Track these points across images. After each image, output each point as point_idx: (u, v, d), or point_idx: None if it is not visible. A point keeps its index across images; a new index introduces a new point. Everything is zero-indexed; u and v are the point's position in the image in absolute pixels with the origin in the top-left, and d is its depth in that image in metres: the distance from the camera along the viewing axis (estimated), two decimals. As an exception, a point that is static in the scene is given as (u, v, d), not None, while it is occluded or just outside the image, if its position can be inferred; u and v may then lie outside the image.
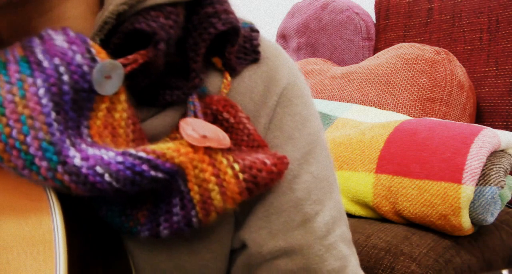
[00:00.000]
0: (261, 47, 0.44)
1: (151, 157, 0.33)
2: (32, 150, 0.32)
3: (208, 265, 0.42)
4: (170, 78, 0.40)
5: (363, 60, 1.48)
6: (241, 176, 0.37)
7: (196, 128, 0.36)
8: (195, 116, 0.39)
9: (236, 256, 0.43)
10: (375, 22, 1.55)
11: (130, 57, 0.36)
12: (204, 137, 0.36)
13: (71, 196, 0.34)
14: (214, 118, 0.40)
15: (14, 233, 0.32)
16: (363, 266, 0.83)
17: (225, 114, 0.40)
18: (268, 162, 0.38)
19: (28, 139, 0.32)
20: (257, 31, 0.44)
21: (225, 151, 0.37)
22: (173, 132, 0.40)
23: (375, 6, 1.54)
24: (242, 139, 0.40)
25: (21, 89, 0.32)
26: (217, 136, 0.37)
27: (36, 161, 0.32)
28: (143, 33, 0.36)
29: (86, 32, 0.36)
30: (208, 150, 0.37)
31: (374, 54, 1.48)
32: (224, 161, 0.37)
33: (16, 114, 0.32)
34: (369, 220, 0.96)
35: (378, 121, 1.05)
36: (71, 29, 0.35)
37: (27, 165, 0.32)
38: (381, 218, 0.95)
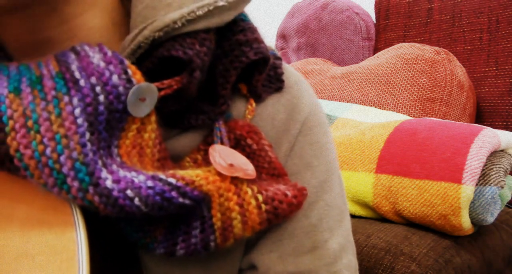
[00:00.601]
0: (284, 75, 0.44)
1: (180, 183, 0.34)
2: (65, 170, 0.32)
3: None
4: (197, 103, 0.40)
5: (363, 60, 1.48)
6: (263, 207, 0.38)
7: (223, 156, 0.37)
8: (221, 142, 0.40)
9: None
10: (375, 22, 1.55)
11: (166, 82, 0.36)
12: (231, 165, 0.37)
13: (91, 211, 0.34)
14: (237, 143, 0.40)
15: (38, 241, 0.32)
16: (363, 266, 0.83)
17: (249, 141, 0.40)
18: (289, 194, 0.39)
19: (62, 158, 0.31)
20: (280, 59, 0.45)
21: (250, 181, 0.38)
22: (193, 153, 0.40)
23: (375, 6, 1.54)
24: (263, 166, 0.40)
25: (57, 107, 0.32)
26: (244, 165, 0.38)
27: (68, 180, 0.32)
28: (177, 58, 0.36)
29: (107, 43, 0.36)
30: (235, 179, 0.37)
31: (374, 54, 1.48)
32: (249, 191, 0.37)
33: (51, 132, 0.32)
34: (369, 220, 0.96)
35: (378, 121, 1.05)
36: (92, 40, 0.35)
37: (58, 184, 0.32)
38: (381, 218, 0.95)
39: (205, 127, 0.41)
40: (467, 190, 0.81)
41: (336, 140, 1.02)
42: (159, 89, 0.36)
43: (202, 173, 0.35)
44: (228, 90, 0.39)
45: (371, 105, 1.25)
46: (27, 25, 0.36)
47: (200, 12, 0.37)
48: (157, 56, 0.36)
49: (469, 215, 0.83)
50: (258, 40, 0.40)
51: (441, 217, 0.84)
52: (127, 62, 0.34)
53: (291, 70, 0.46)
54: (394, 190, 0.89)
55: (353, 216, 0.99)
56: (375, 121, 1.05)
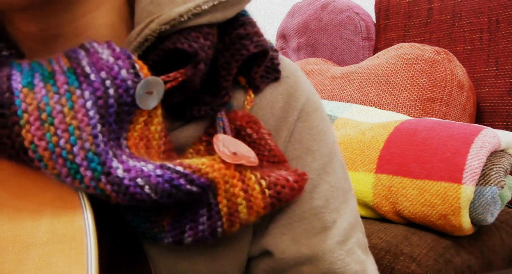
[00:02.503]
0: (281, 66, 0.46)
1: (187, 171, 0.35)
2: (78, 160, 0.33)
3: (226, 272, 0.44)
4: (199, 94, 0.41)
5: (363, 60, 1.48)
6: (267, 192, 0.39)
7: (227, 145, 0.39)
8: (224, 132, 0.41)
9: (256, 263, 0.45)
10: (375, 22, 1.55)
11: (171, 74, 0.37)
12: (235, 153, 0.38)
13: (100, 200, 0.35)
14: (237, 133, 0.42)
15: (46, 230, 0.33)
16: (363, 266, 0.83)
17: (248, 130, 0.42)
18: (290, 179, 0.40)
19: (75, 149, 0.33)
20: (276, 51, 0.47)
21: (252, 168, 0.40)
22: (195, 144, 0.41)
23: (375, 6, 1.54)
24: (264, 154, 0.42)
25: (69, 100, 0.33)
26: (247, 153, 0.39)
27: (81, 170, 0.33)
28: (182, 51, 0.37)
29: (114, 40, 0.38)
30: (239, 167, 0.39)
31: (374, 54, 1.48)
32: (253, 177, 0.39)
33: (64, 124, 0.33)
34: (369, 220, 0.96)
35: (378, 121, 1.05)
36: (100, 37, 0.37)
37: (71, 174, 0.33)
38: (381, 218, 0.95)
39: (206, 119, 0.42)
40: (467, 190, 0.81)
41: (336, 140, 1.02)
42: (165, 82, 0.37)
43: (207, 161, 0.37)
44: (229, 82, 0.41)
45: (371, 105, 1.25)
46: (38, 22, 0.37)
47: (205, 6, 0.38)
48: (163, 49, 0.38)
49: (469, 215, 0.83)
50: (258, 34, 0.42)
51: (441, 217, 0.84)
52: (134, 57, 0.35)
53: (287, 61, 0.48)
54: (394, 190, 0.89)
55: (353, 216, 0.99)
56: (375, 121, 1.05)
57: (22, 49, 0.39)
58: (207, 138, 0.41)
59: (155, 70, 0.37)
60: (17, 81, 0.33)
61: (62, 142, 0.33)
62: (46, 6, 0.36)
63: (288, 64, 0.47)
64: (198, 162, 0.36)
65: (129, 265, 0.38)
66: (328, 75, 1.40)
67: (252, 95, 0.44)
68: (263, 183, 0.39)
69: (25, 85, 0.33)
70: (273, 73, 0.45)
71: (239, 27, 0.42)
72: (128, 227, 0.39)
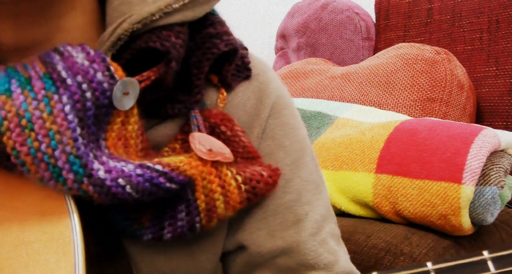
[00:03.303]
0: (251, 64, 0.47)
1: (166, 169, 0.36)
2: (60, 163, 0.34)
3: (203, 266, 0.45)
4: (173, 93, 0.42)
5: (363, 60, 1.48)
6: (243, 187, 0.41)
7: (202, 142, 0.40)
8: (199, 130, 0.42)
9: (232, 258, 0.47)
10: (375, 22, 1.55)
11: (145, 74, 0.38)
12: (210, 150, 0.40)
13: (85, 200, 0.36)
14: (212, 130, 0.43)
15: (35, 229, 0.34)
16: (363, 266, 0.83)
17: (223, 128, 0.43)
18: (265, 174, 0.42)
19: (56, 153, 0.34)
20: (246, 49, 0.48)
21: (228, 164, 0.41)
22: (171, 142, 0.43)
23: (375, 6, 1.54)
24: (238, 150, 0.43)
25: (48, 106, 0.34)
26: (222, 150, 0.41)
27: (64, 173, 0.34)
28: (154, 50, 0.38)
29: (87, 42, 0.38)
30: (215, 163, 0.40)
31: (374, 54, 1.48)
32: (229, 173, 0.40)
33: (44, 129, 0.33)
34: (369, 220, 0.96)
35: (378, 121, 1.05)
36: (72, 40, 0.37)
37: (54, 177, 0.34)
38: (381, 218, 0.95)
39: (181, 117, 0.43)
40: (467, 190, 0.81)
41: (336, 140, 1.02)
42: (140, 82, 0.38)
43: (185, 159, 0.38)
44: (202, 80, 0.42)
45: (371, 105, 1.25)
46: (13, 22, 0.37)
47: (176, 5, 0.39)
48: (135, 48, 0.38)
49: (469, 215, 0.83)
50: (228, 33, 0.43)
51: (441, 217, 0.84)
52: (108, 59, 0.36)
53: (257, 59, 0.49)
54: (394, 190, 0.89)
55: (353, 216, 0.99)
56: (375, 121, 1.05)
57: (1, 54, 0.40)
58: (183, 136, 0.42)
59: (128, 69, 0.38)
60: None
61: (43, 146, 0.33)
62: (22, 4, 0.36)
63: (258, 62, 0.48)
64: (176, 160, 0.38)
65: (113, 259, 0.40)
66: (328, 75, 1.40)
67: (225, 94, 0.45)
68: (239, 178, 0.40)
69: (2, 93, 0.34)
70: (244, 72, 0.46)
71: (209, 26, 0.43)
72: (109, 224, 0.40)
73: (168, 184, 0.36)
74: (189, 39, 0.42)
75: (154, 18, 0.38)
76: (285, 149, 0.46)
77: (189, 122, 0.43)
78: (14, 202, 0.35)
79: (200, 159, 0.39)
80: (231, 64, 0.44)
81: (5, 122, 0.33)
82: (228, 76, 0.45)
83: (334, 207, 0.98)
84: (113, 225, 0.40)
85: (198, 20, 0.42)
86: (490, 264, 0.26)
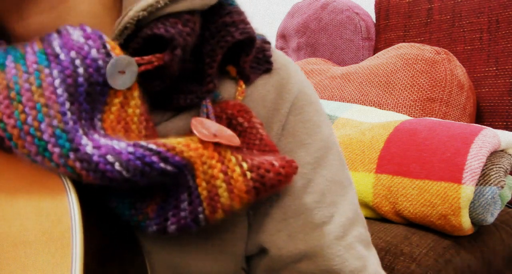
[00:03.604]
0: (273, 58, 0.45)
1: (161, 149, 0.34)
2: (45, 137, 0.33)
3: (221, 266, 0.43)
4: (184, 84, 0.41)
5: (363, 60, 1.48)
6: (248, 174, 0.37)
7: (206, 126, 0.38)
8: (207, 117, 0.40)
9: (255, 262, 0.44)
10: (375, 22, 1.55)
11: (146, 57, 0.37)
12: (214, 135, 0.37)
13: (88, 189, 0.35)
14: (229, 122, 0.41)
15: (34, 228, 0.33)
16: (363, 266, 0.83)
17: (240, 119, 0.41)
18: (276, 163, 0.38)
19: (42, 126, 0.33)
20: (269, 43, 0.46)
21: (234, 150, 0.38)
22: (186, 135, 0.40)
23: (375, 6, 1.54)
24: (254, 142, 0.41)
25: (38, 79, 0.34)
26: (227, 134, 0.38)
27: (49, 147, 0.33)
28: (161, 39, 0.37)
29: (98, 28, 0.37)
30: (218, 147, 0.37)
31: (374, 54, 1.48)
32: (233, 159, 0.38)
33: (32, 102, 0.33)
34: (369, 220, 0.96)
35: (378, 121, 1.05)
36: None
37: (40, 151, 0.33)
38: (381, 218, 0.95)
39: (195, 110, 0.41)
40: (467, 190, 0.81)
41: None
42: (139, 65, 0.37)
43: (183, 140, 0.36)
44: (214, 69, 0.40)
45: (371, 105, 1.25)
46: (11, 9, 0.37)
47: None
48: (141, 36, 0.37)
49: (469, 215, 0.83)
50: (244, 22, 0.42)
51: (441, 217, 0.84)
52: (106, 37, 0.36)
53: (280, 53, 0.47)
54: (394, 190, 0.89)
55: (353, 216, 0.99)
56: (375, 121, 1.05)
57: (10, 35, 0.40)
58: None
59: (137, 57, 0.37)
60: None
61: (29, 119, 0.33)
62: None
63: (280, 56, 0.47)
64: (174, 141, 0.36)
65: (122, 257, 0.38)
66: (328, 75, 1.40)
67: (244, 86, 0.43)
68: (245, 165, 0.37)
69: None
70: (265, 65, 0.45)
71: (225, 15, 0.41)
72: (121, 227, 0.38)
73: (162, 165, 0.34)
74: (204, 29, 0.41)
75: (159, 5, 0.37)
76: (306, 147, 0.44)
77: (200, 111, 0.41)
78: (15, 199, 0.35)
79: (201, 142, 0.37)
80: (248, 54, 0.42)
81: None
82: (246, 67, 0.43)
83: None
84: (119, 215, 0.38)
85: (215, 10, 0.41)
86: None
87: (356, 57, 1.52)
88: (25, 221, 0.34)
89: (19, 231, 0.33)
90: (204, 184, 0.37)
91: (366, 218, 0.97)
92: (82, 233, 0.33)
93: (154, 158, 0.34)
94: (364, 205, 0.96)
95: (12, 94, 0.33)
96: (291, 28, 1.69)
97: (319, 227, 0.43)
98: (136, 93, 0.37)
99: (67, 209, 0.34)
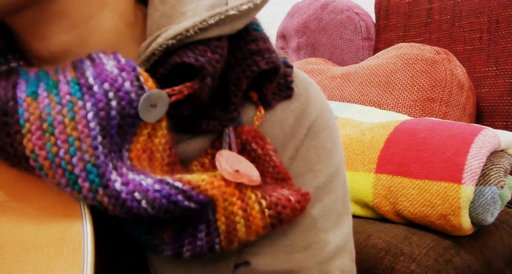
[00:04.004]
0: (294, 83, 0.46)
1: (186, 187, 0.35)
2: (76, 171, 0.33)
3: None
4: (208, 108, 0.41)
5: (363, 60, 1.48)
6: (267, 211, 0.39)
7: (230, 162, 0.38)
8: (230, 148, 0.41)
9: (238, 270, 0.45)
10: (375, 22, 1.55)
11: (176, 88, 0.37)
12: (237, 171, 0.38)
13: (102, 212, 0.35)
14: (243, 147, 0.42)
15: (47, 233, 0.34)
16: (363, 266, 0.83)
17: (254, 145, 0.41)
18: (292, 199, 0.40)
19: (74, 160, 0.33)
20: (291, 67, 0.46)
21: (254, 187, 0.39)
22: (201, 156, 0.41)
23: (375, 6, 1.54)
24: (268, 170, 0.41)
25: (71, 111, 0.33)
26: (250, 172, 0.39)
27: (80, 181, 0.33)
28: (190, 65, 0.37)
29: (120, 45, 0.38)
30: (239, 185, 0.38)
31: (374, 54, 1.48)
32: (253, 197, 0.39)
33: (64, 135, 0.33)
34: (369, 220, 0.96)
35: (378, 121, 1.05)
36: (105, 43, 0.37)
37: (70, 184, 0.33)
38: (381, 218, 0.95)
39: (214, 132, 0.42)
40: (467, 190, 0.81)
41: (336, 140, 1.02)
42: (170, 95, 0.37)
43: (207, 178, 0.37)
44: (239, 97, 0.41)
45: (371, 105, 1.25)
46: (33, 30, 0.37)
47: (212, 21, 0.37)
48: (170, 63, 0.37)
49: (469, 215, 0.83)
50: (270, 50, 0.42)
51: (441, 217, 0.84)
52: (139, 69, 0.35)
53: (302, 76, 0.47)
54: (394, 190, 0.89)
55: (353, 216, 0.98)
56: (375, 121, 1.05)
57: (32, 62, 0.39)
58: (213, 151, 0.41)
59: (164, 83, 0.37)
60: (22, 90, 0.34)
61: (61, 152, 0.33)
62: (33, 10, 0.35)
63: (302, 80, 0.47)
64: (198, 178, 0.36)
65: (129, 272, 0.39)
66: (328, 75, 1.40)
67: (263, 112, 0.43)
68: (263, 202, 0.39)
69: (29, 95, 0.33)
70: (286, 91, 0.45)
71: (251, 42, 0.41)
72: (131, 238, 0.39)
73: (186, 203, 0.35)
74: (230, 54, 0.41)
75: (188, 34, 0.37)
76: (315, 172, 0.44)
77: (222, 138, 0.41)
78: (29, 204, 0.35)
79: (224, 179, 0.38)
80: (272, 82, 0.43)
81: (27, 124, 0.33)
82: (268, 94, 0.43)
83: (334, 207, 0.98)
84: (135, 238, 0.39)
85: (240, 35, 0.41)
86: None
87: (356, 57, 1.52)
88: (38, 226, 0.34)
89: (32, 235, 0.34)
90: (223, 218, 0.38)
91: (366, 218, 0.98)
92: (93, 240, 0.34)
93: (180, 197, 0.35)
94: (364, 205, 0.96)
95: (45, 125, 0.33)
96: (291, 28, 1.69)
97: (304, 250, 0.43)
98: (164, 124, 0.37)
99: (79, 218, 0.35)
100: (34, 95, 0.33)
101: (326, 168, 0.45)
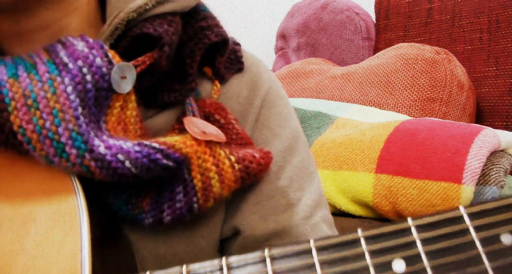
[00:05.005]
0: (244, 58, 0.50)
1: (163, 147, 0.38)
2: (63, 139, 0.36)
3: (202, 251, 0.47)
4: (168, 82, 0.45)
5: (363, 60, 1.48)
6: (236, 166, 0.42)
7: (196, 125, 0.42)
8: (193, 115, 0.45)
9: (229, 244, 0.48)
10: (375, 22, 1.55)
11: (140, 59, 0.41)
12: (204, 132, 0.42)
13: (88, 189, 0.38)
14: (206, 119, 0.45)
15: (42, 207, 0.36)
16: (363, 266, 0.83)
17: (217, 116, 0.46)
18: (257, 155, 0.44)
19: (60, 130, 0.36)
20: (239, 44, 0.51)
21: (222, 145, 0.43)
22: (169, 132, 0.45)
23: (375, 6, 1.54)
24: (232, 137, 0.45)
25: (51, 87, 0.37)
26: (215, 132, 0.43)
27: (67, 148, 0.36)
28: (148, 37, 0.41)
29: (88, 30, 0.41)
30: (209, 143, 0.42)
31: (374, 54, 1.48)
32: (222, 153, 0.42)
33: (48, 108, 0.36)
34: (369, 220, 0.96)
35: (378, 121, 1.05)
36: (76, 24, 0.41)
37: (58, 153, 0.36)
38: (381, 218, 0.96)
39: (177, 108, 0.46)
40: (467, 190, 0.81)
41: (336, 140, 1.02)
42: (135, 67, 0.41)
43: (180, 139, 0.40)
44: (194, 69, 0.45)
45: (371, 105, 1.25)
46: (10, 26, 0.41)
47: None
48: (131, 35, 0.42)
49: (469, 215, 0.83)
50: (218, 25, 0.47)
51: (441, 217, 0.84)
52: (106, 47, 0.39)
53: (250, 54, 0.52)
54: (394, 190, 0.89)
55: (353, 216, 0.99)
56: (375, 121, 1.05)
57: (4, 48, 0.43)
58: (179, 125, 0.45)
59: (126, 57, 0.41)
60: (3, 73, 0.37)
61: (47, 123, 0.36)
62: (19, 6, 0.39)
63: (250, 56, 0.52)
64: (172, 139, 0.40)
65: (115, 245, 0.41)
66: (328, 75, 1.40)
67: (219, 85, 0.48)
68: (232, 158, 0.42)
69: (10, 76, 0.37)
70: (237, 65, 0.49)
71: (200, 20, 0.46)
72: (110, 213, 0.41)
73: (165, 161, 0.38)
74: (183, 31, 0.45)
75: (147, 7, 0.41)
76: (280, 137, 0.49)
77: (185, 111, 0.45)
78: (21, 183, 0.37)
79: (195, 139, 0.41)
80: (223, 55, 0.47)
81: (13, 102, 0.36)
82: (221, 68, 0.48)
83: (334, 207, 0.98)
84: (114, 211, 0.41)
85: (191, 15, 0.46)
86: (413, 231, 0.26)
87: (356, 57, 1.52)
88: (33, 202, 0.36)
89: (28, 211, 0.36)
90: (199, 176, 0.41)
91: (366, 218, 0.98)
92: (87, 208, 0.36)
93: (158, 155, 0.38)
94: (364, 205, 0.96)
95: (29, 101, 0.36)
96: (291, 28, 1.69)
97: (288, 209, 0.47)
98: (133, 97, 0.41)
99: (72, 193, 0.37)
100: (15, 76, 0.37)
101: (288, 132, 0.50)
